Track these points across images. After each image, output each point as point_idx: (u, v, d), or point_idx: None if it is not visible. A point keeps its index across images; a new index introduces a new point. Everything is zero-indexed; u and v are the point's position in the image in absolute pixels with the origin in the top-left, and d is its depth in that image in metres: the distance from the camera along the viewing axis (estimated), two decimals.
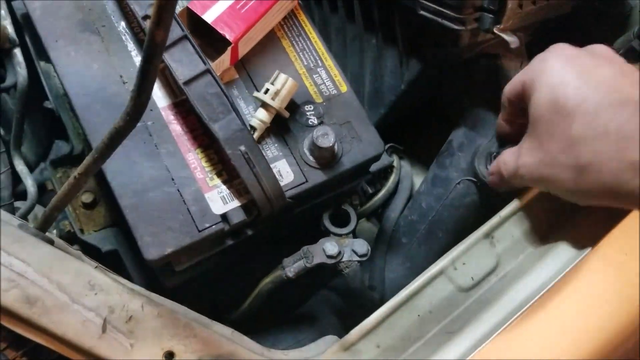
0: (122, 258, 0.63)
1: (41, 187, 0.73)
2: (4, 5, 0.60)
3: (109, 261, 0.62)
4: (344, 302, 0.61)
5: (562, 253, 0.49)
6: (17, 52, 0.60)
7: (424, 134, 0.75)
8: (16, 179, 0.61)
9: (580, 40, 0.70)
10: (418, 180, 0.74)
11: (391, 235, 0.66)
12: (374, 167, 0.65)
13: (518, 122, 0.51)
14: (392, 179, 0.71)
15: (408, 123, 0.74)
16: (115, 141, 0.39)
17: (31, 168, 0.72)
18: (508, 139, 0.54)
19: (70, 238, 0.66)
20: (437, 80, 0.66)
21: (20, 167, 0.63)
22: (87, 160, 0.41)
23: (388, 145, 0.73)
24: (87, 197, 0.66)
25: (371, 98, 0.70)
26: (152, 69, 0.35)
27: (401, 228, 0.66)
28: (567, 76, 0.43)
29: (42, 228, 0.47)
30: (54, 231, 0.68)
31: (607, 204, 0.43)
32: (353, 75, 0.71)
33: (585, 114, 0.41)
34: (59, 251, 0.46)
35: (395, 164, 0.72)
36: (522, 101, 0.48)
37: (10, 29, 0.59)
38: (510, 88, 0.50)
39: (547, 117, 0.44)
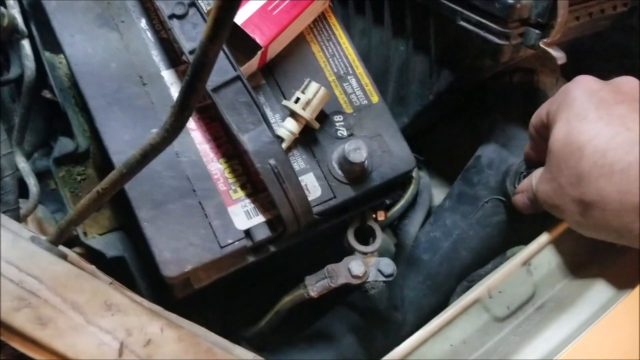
0: (128, 265, 0.59)
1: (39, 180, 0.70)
2: None
3: (115, 267, 0.59)
4: (366, 322, 0.59)
5: (603, 289, 0.47)
6: (26, 43, 0.56)
7: (446, 145, 0.72)
8: None
9: (612, 56, 0.69)
10: (437, 192, 0.71)
11: (411, 251, 0.64)
12: None
13: (544, 150, 0.49)
14: (411, 190, 0.68)
15: (428, 133, 0.72)
16: (148, 157, 0.36)
17: (27, 157, 0.68)
18: (535, 165, 0.52)
19: (74, 241, 0.62)
20: (467, 93, 0.63)
21: (23, 164, 0.59)
22: (114, 174, 0.37)
23: None
24: None
25: (394, 106, 0.67)
26: (199, 85, 0.31)
27: (422, 244, 0.63)
28: (585, 111, 0.43)
29: (56, 242, 0.43)
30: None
31: (612, 240, 0.43)
32: (376, 82, 0.68)
33: (595, 151, 0.41)
34: (73, 267, 0.43)
35: (414, 174, 0.69)
36: (546, 131, 0.47)
37: (19, 19, 0.55)
38: (535, 118, 0.50)
39: (561, 150, 0.44)
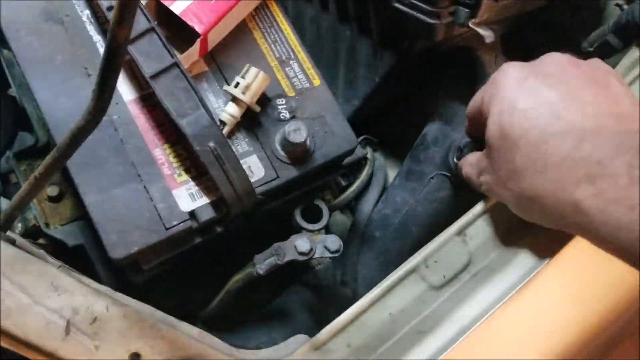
0: (87, 253, 0.61)
1: (4, 177, 0.71)
2: None
3: (76, 256, 0.61)
4: (316, 298, 0.61)
5: (531, 254, 0.49)
6: None
7: (399, 126, 0.74)
8: None
9: (556, 33, 0.71)
10: (392, 173, 0.73)
11: (364, 229, 0.65)
12: (347, 160, 0.65)
13: (482, 130, 0.50)
14: (366, 171, 0.70)
15: (382, 115, 0.74)
16: (77, 140, 0.38)
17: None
18: (476, 139, 0.53)
19: (36, 232, 0.64)
20: (412, 73, 0.65)
21: None
22: (48, 159, 0.39)
23: (362, 137, 0.72)
24: (52, 190, 0.64)
25: (345, 90, 0.69)
26: (114, 68, 0.33)
27: (374, 222, 0.65)
28: (515, 101, 0.42)
29: (3, 228, 0.45)
30: (19, 224, 0.66)
31: (553, 227, 0.43)
32: (327, 67, 0.69)
33: (528, 145, 0.41)
34: (20, 251, 0.45)
35: (369, 156, 0.71)
36: (481, 118, 0.47)
37: None
38: (471, 106, 0.49)
39: (497, 143, 0.43)
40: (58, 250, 0.61)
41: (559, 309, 0.47)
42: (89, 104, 0.35)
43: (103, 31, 0.53)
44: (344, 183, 0.71)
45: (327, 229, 0.63)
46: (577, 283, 0.48)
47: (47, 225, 0.64)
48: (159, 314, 0.47)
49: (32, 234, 0.64)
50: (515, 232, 0.50)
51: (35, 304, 0.43)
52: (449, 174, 0.59)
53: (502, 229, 0.51)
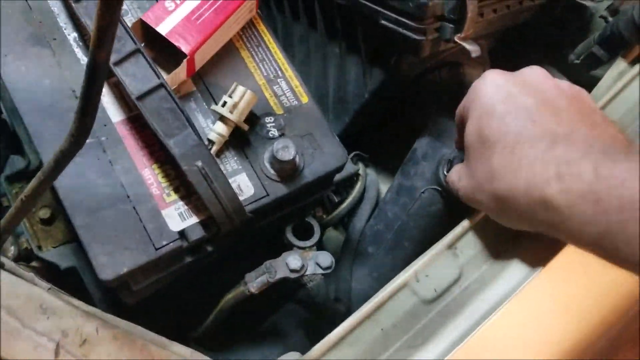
0: (80, 275, 0.61)
1: None
2: None
3: (69, 278, 0.61)
4: (310, 315, 0.60)
5: (521, 265, 0.49)
6: None
7: (390, 142, 0.74)
8: None
9: (543, 46, 0.71)
10: (384, 189, 0.73)
11: (357, 245, 0.65)
12: (339, 176, 0.65)
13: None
14: (358, 187, 0.70)
15: (374, 131, 0.74)
16: (61, 163, 0.38)
17: None
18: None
19: (29, 255, 0.64)
20: (401, 90, 0.65)
21: None
22: (34, 182, 0.39)
23: (353, 153, 0.72)
24: (44, 213, 0.64)
25: (335, 107, 0.69)
26: (95, 90, 0.33)
27: (367, 238, 0.65)
28: (493, 106, 0.45)
29: None
30: (12, 247, 0.66)
31: (528, 230, 0.45)
32: (317, 84, 0.70)
33: (504, 147, 0.43)
34: (8, 274, 0.45)
35: (361, 172, 0.71)
36: (463, 125, 0.49)
37: None
38: (457, 113, 0.51)
39: (475, 147, 0.45)
40: (51, 273, 0.61)
41: (551, 320, 0.47)
42: (71, 126, 0.36)
43: (88, 51, 0.53)
44: (336, 199, 0.71)
45: (320, 246, 0.63)
46: (569, 292, 0.48)
47: (39, 248, 0.64)
48: (150, 334, 0.47)
49: (25, 257, 0.64)
50: (506, 244, 0.50)
51: (24, 328, 0.43)
52: (439, 188, 0.59)
53: (492, 242, 0.50)
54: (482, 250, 0.50)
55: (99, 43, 0.31)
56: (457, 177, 0.50)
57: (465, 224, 0.51)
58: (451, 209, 0.60)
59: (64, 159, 0.37)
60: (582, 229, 0.38)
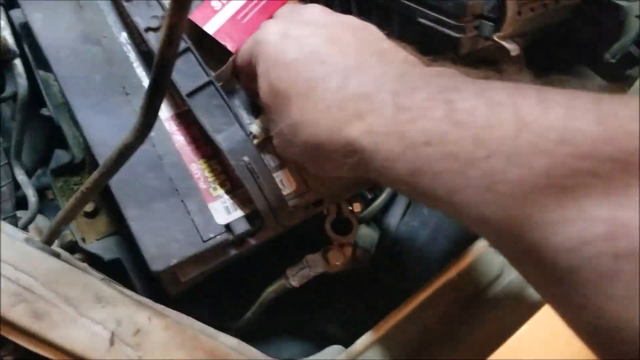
0: (124, 266, 0.63)
1: (41, 195, 0.73)
2: (3, 15, 0.60)
3: (111, 270, 0.62)
4: (347, 310, 0.62)
5: None
6: (18, 62, 0.60)
7: None
8: (15, 186, 0.61)
9: (576, 46, 0.72)
10: None
11: (392, 242, 0.66)
12: None
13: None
14: None
15: None
16: (124, 156, 0.39)
17: (29, 175, 0.72)
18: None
19: (72, 247, 0.66)
20: None
21: (21, 176, 0.63)
22: (95, 175, 0.41)
23: None
24: (88, 206, 0.66)
25: None
26: (161, 86, 0.35)
27: (402, 235, 0.66)
28: (278, 56, 0.42)
29: (48, 242, 0.47)
30: (56, 241, 0.68)
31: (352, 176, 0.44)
32: None
33: (298, 96, 0.40)
34: (65, 264, 0.47)
35: None
36: (252, 82, 0.47)
37: (10, 40, 0.59)
38: (240, 59, 0.50)
39: (272, 103, 0.43)
40: (94, 265, 0.62)
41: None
42: (137, 120, 0.37)
43: (140, 52, 0.55)
44: (370, 196, 0.72)
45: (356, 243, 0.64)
46: None
47: (83, 240, 0.66)
48: (199, 324, 0.48)
49: (69, 249, 0.65)
50: None
51: (81, 316, 0.45)
52: None
53: None
54: None
55: (168, 40, 0.32)
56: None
57: None
58: None
59: (126, 152, 0.39)
60: (391, 166, 0.34)
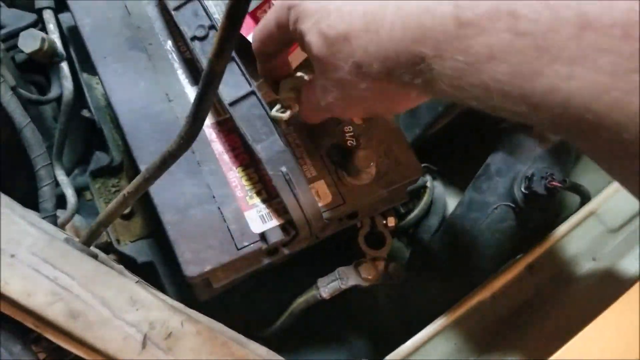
0: (157, 269, 0.63)
1: (78, 194, 0.75)
2: (53, 19, 0.61)
3: (144, 272, 0.63)
4: (376, 324, 0.61)
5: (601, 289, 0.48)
6: (64, 65, 0.61)
7: (459, 155, 0.75)
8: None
9: None
10: (451, 202, 0.74)
11: (425, 258, 0.66)
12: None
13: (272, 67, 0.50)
14: (425, 199, 0.71)
15: (442, 143, 0.74)
16: (167, 163, 0.40)
17: (67, 173, 0.74)
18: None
19: (107, 248, 0.67)
20: None
21: (62, 177, 0.64)
22: (138, 179, 0.42)
23: (422, 165, 0.73)
24: None
25: (406, 117, 0.70)
26: (209, 96, 0.35)
27: (435, 251, 0.66)
28: (325, 8, 0.41)
29: (87, 243, 0.48)
30: None
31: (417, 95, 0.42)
32: None
33: (359, 33, 0.39)
34: (102, 266, 0.47)
35: (428, 184, 0.72)
36: (281, 44, 0.46)
37: (58, 43, 0.61)
38: (263, 36, 0.47)
39: (327, 54, 0.41)
40: (127, 267, 0.63)
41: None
42: (182, 129, 0.38)
43: (184, 60, 0.56)
44: (402, 211, 0.72)
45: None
46: None
47: (117, 241, 0.67)
48: (230, 332, 0.49)
49: (104, 249, 0.67)
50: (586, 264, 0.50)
51: (115, 318, 0.45)
52: (513, 205, 0.59)
53: (571, 262, 0.50)
54: (560, 270, 0.50)
55: (219, 53, 0.33)
56: (315, 103, 0.46)
57: (544, 244, 0.51)
58: (523, 226, 0.60)
59: (170, 159, 0.39)
60: (457, 84, 0.34)
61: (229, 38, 0.32)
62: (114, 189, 0.70)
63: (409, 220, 0.70)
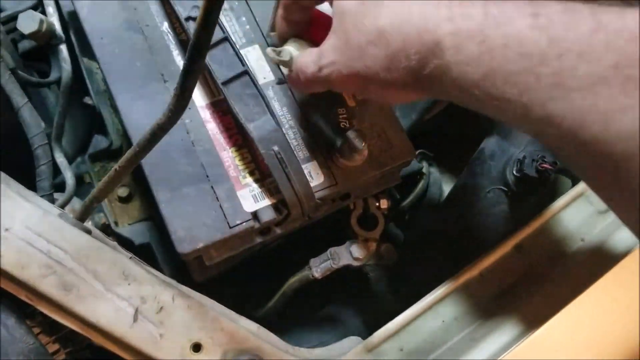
0: (154, 251, 0.64)
1: (78, 180, 0.76)
2: (52, 2, 0.62)
3: (142, 254, 0.64)
4: (369, 305, 0.62)
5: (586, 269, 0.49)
6: (63, 48, 0.62)
7: (456, 142, 0.75)
8: (55, 170, 0.63)
9: None
10: (447, 188, 0.74)
11: (419, 241, 0.66)
12: (403, 172, 0.66)
13: (296, 19, 0.50)
14: (421, 185, 0.71)
15: (438, 129, 0.75)
16: (156, 136, 0.40)
17: (69, 161, 0.75)
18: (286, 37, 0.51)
19: (106, 230, 0.68)
20: None
21: (61, 159, 0.65)
22: (129, 153, 0.42)
23: (418, 151, 0.73)
24: (123, 191, 0.68)
25: (403, 104, 0.71)
26: (195, 69, 0.36)
27: (429, 234, 0.66)
28: None
29: (81, 218, 0.49)
30: (90, 223, 0.70)
31: (416, 95, 0.43)
32: None
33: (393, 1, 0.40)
34: (96, 241, 0.48)
35: (424, 170, 0.72)
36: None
37: (57, 26, 0.61)
38: None
39: (354, 10, 0.42)
40: (125, 248, 0.64)
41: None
42: (170, 102, 0.38)
43: (180, 41, 0.56)
44: (398, 196, 0.72)
45: (382, 240, 0.64)
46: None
47: (116, 224, 0.68)
48: (221, 307, 0.49)
49: (103, 232, 0.67)
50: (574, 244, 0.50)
51: (107, 291, 0.46)
52: (505, 188, 0.60)
53: (562, 239, 0.51)
54: (548, 248, 0.51)
55: (204, 24, 0.33)
56: (317, 56, 0.45)
57: (533, 224, 0.52)
58: (516, 209, 0.60)
59: (159, 132, 0.40)
60: (466, 70, 0.36)
61: (214, 8, 0.33)
62: None
63: (405, 205, 0.71)
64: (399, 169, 0.57)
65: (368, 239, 0.57)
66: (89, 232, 0.49)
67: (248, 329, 0.48)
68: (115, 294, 0.46)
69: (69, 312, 0.45)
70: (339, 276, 0.57)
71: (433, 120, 0.71)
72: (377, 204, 0.60)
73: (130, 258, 0.49)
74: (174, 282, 0.49)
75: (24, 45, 0.70)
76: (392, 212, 0.71)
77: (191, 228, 0.51)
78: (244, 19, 0.58)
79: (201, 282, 0.59)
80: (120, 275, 0.47)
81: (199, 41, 0.34)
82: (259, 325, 0.49)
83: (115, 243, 0.51)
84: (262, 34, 0.58)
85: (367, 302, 0.62)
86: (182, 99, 0.38)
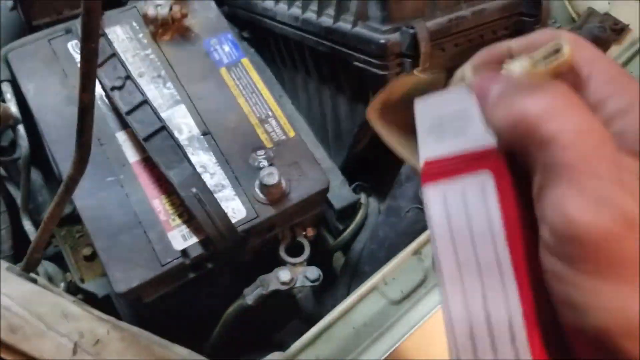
0: (112, 300, 0.70)
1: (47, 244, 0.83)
2: (10, 90, 0.71)
3: (107, 304, 0.70)
4: (298, 323, 0.66)
5: None
6: (21, 127, 0.70)
7: (387, 170, 0.81)
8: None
9: None
10: None
11: (355, 265, 0.71)
12: (343, 204, 0.73)
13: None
14: (360, 214, 0.76)
15: (375, 162, 0.81)
16: (70, 187, 0.48)
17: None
18: None
19: (76, 288, 0.74)
20: None
21: (28, 226, 0.72)
22: (51, 207, 0.49)
23: (355, 183, 0.79)
24: (87, 251, 0.75)
25: (334, 142, 0.77)
26: (86, 126, 0.43)
27: (364, 258, 0.71)
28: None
29: (27, 269, 0.55)
30: (62, 284, 0.76)
31: None
32: (318, 124, 0.79)
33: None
34: (39, 287, 0.55)
35: (362, 200, 0.78)
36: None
37: (14, 109, 0.70)
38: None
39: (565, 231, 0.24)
40: (92, 301, 0.71)
41: None
42: (74, 156, 0.45)
43: (112, 107, 0.65)
44: (341, 227, 0.77)
45: (322, 267, 0.69)
46: None
47: (82, 280, 0.75)
48: (154, 337, 0.55)
49: (74, 290, 0.74)
50: None
51: (49, 330, 0.52)
52: (421, 206, 0.65)
53: None
54: None
55: (83, 88, 0.41)
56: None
57: (429, 231, 0.57)
58: None
59: (72, 183, 0.47)
60: None
61: (89, 72, 0.40)
62: (78, 235, 0.78)
63: (346, 235, 0.76)
64: (317, 197, 0.63)
65: (295, 264, 0.63)
66: (34, 281, 0.55)
67: (179, 354, 0.54)
68: (56, 331, 0.52)
69: (16, 351, 0.51)
70: (276, 300, 0.62)
71: (364, 153, 0.77)
72: (304, 232, 0.65)
73: (74, 301, 0.56)
74: (112, 318, 0.55)
75: None
76: (336, 242, 0.76)
77: (127, 270, 0.57)
78: (169, 84, 0.66)
79: (148, 317, 0.64)
80: (60, 315, 0.53)
81: (82, 102, 0.42)
82: (189, 350, 0.54)
83: (60, 290, 0.57)
84: (188, 95, 0.66)
85: (305, 324, 0.67)
86: (81, 153, 0.45)
